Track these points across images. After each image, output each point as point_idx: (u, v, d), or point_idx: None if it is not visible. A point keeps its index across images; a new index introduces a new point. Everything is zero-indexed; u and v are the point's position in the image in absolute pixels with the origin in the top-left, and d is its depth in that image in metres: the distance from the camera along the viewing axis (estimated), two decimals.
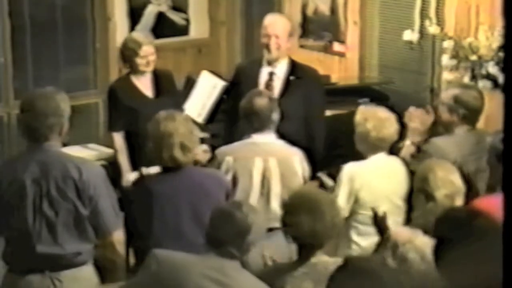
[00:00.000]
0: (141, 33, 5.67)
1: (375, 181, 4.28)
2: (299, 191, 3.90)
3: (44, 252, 3.71)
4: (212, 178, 4.13)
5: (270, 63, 5.19)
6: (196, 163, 5.14)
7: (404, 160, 4.43)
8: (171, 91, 5.46)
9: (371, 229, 4.16)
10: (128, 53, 5.31)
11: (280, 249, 4.07)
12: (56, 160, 3.73)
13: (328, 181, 4.75)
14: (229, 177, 4.38)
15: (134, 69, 5.33)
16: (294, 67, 5.20)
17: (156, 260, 3.29)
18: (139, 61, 5.29)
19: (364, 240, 4.27)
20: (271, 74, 5.19)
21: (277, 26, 5.16)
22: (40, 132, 3.70)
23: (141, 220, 3.95)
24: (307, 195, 3.59)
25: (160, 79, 5.42)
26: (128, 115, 5.23)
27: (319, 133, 5.11)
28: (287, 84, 5.13)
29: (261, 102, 4.46)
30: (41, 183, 3.68)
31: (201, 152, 5.01)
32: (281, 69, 5.17)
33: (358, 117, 4.39)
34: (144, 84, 5.37)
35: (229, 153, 4.44)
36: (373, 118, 4.33)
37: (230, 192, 4.17)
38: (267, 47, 5.14)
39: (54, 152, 3.75)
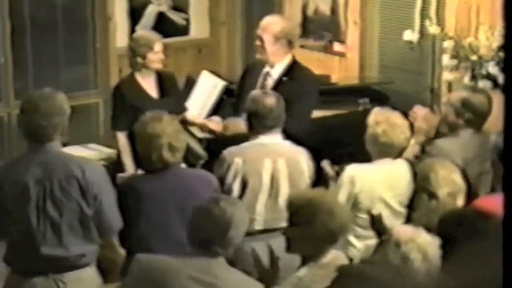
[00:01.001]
0: (149, 31, 5.70)
1: (375, 186, 4.24)
2: (308, 196, 3.88)
3: (49, 254, 3.71)
4: (200, 178, 4.12)
5: (270, 63, 5.22)
6: (211, 132, 5.25)
7: (409, 162, 4.39)
8: (174, 92, 5.46)
9: (369, 233, 4.16)
10: (142, 50, 5.27)
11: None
12: (58, 160, 3.73)
13: (330, 170, 4.70)
14: (238, 179, 4.36)
15: (146, 66, 5.30)
16: (291, 68, 5.21)
17: (139, 265, 3.27)
18: (152, 57, 5.28)
19: (360, 243, 4.26)
20: (266, 75, 5.23)
21: (264, 29, 5.20)
22: (46, 132, 3.70)
23: (129, 220, 3.94)
24: (319, 199, 3.58)
25: (163, 80, 5.42)
26: (133, 114, 5.21)
27: (293, 131, 4.73)
28: (278, 84, 5.15)
29: (271, 101, 4.44)
30: (45, 183, 3.68)
31: (214, 122, 5.15)
32: (277, 70, 5.20)
33: (371, 118, 4.35)
34: (149, 85, 5.37)
35: (238, 154, 4.40)
36: (385, 123, 4.27)
37: (218, 192, 4.17)
38: (257, 48, 5.26)
39: (55, 153, 3.75)
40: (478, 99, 4.54)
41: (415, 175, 4.25)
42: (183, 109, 5.52)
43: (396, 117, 4.33)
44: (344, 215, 3.51)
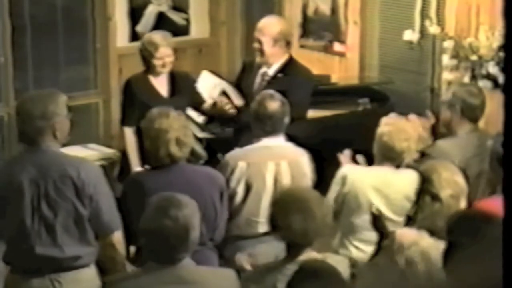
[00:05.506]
0: (160, 34, 5.62)
1: (364, 189, 4.15)
2: (289, 191, 3.88)
3: (43, 254, 3.71)
4: (205, 175, 4.13)
5: (268, 64, 5.25)
6: (221, 110, 5.25)
7: (412, 168, 4.30)
8: (186, 92, 5.47)
9: (369, 233, 4.15)
10: (146, 54, 5.35)
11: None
12: (53, 160, 3.73)
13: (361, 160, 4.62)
14: (242, 183, 4.34)
15: (151, 70, 5.37)
16: (287, 65, 5.23)
17: None
18: (155, 62, 5.32)
19: (361, 244, 4.25)
20: (263, 74, 5.26)
21: (262, 31, 5.22)
22: (29, 136, 3.70)
23: (135, 216, 3.92)
24: (297, 194, 3.57)
25: (176, 79, 5.45)
26: (142, 111, 5.20)
27: (295, 132, 4.79)
28: (273, 80, 5.18)
29: (274, 105, 4.41)
30: (39, 183, 3.68)
31: (224, 103, 5.20)
32: (273, 69, 5.23)
33: (383, 119, 4.32)
34: (160, 83, 5.42)
35: (242, 158, 4.38)
36: (392, 125, 4.24)
37: (224, 189, 4.16)
38: (256, 50, 5.28)
39: (50, 152, 3.75)
40: (467, 90, 4.59)
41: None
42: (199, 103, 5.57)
43: (407, 124, 4.29)
44: (323, 216, 3.44)
